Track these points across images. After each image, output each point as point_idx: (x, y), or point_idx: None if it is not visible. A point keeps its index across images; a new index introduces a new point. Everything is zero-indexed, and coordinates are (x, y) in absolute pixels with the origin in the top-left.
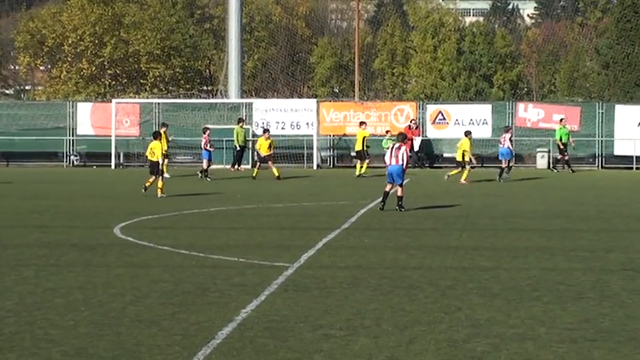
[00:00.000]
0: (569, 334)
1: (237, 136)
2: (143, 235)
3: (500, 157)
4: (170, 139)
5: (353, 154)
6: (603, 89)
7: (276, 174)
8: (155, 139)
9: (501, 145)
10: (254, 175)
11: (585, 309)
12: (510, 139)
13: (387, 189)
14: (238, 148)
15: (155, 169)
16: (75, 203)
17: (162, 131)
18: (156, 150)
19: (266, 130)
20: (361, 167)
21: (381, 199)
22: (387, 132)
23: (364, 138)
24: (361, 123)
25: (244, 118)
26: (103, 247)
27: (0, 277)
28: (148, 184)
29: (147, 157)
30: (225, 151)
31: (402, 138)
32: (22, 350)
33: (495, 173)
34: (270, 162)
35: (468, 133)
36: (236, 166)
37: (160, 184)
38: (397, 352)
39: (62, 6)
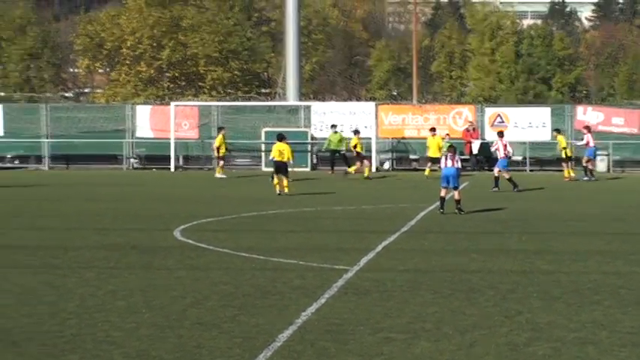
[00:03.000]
0: (631, 338)
1: (331, 141)
2: (203, 237)
3: (499, 167)
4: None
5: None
6: None
7: (352, 171)
8: (280, 140)
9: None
10: (366, 175)
11: None
12: (506, 145)
13: (443, 194)
14: (337, 154)
15: (283, 169)
16: (135, 206)
17: (221, 134)
18: (285, 151)
19: (357, 132)
20: (431, 170)
21: (438, 204)
22: (446, 135)
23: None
24: (431, 129)
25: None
26: (163, 250)
27: (62, 279)
28: (277, 186)
29: (273, 157)
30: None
31: (452, 151)
32: (84, 352)
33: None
34: (365, 160)
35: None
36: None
37: (285, 182)
38: (458, 355)
39: (120, 9)
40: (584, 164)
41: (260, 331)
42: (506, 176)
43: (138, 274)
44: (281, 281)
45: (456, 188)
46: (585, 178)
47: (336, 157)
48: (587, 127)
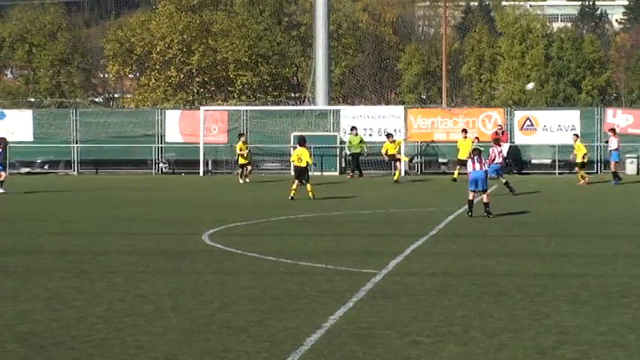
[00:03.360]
0: None
1: (351, 143)
2: (231, 242)
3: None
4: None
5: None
6: None
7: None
8: (301, 145)
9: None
10: (396, 178)
11: None
12: (500, 153)
13: (471, 197)
14: (349, 156)
15: (302, 174)
16: (163, 210)
17: (241, 141)
18: (303, 156)
19: (390, 135)
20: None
21: (467, 207)
22: (476, 138)
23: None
24: (463, 130)
25: (355, 126)
26: (191, 254)
27: (90, 283)
28: (293, 192)
29: (293, 162)
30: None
31: (478, 152)
32: (112, 357)
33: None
34: (397, 162)
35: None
36: (355, 173)
37: (309, 187)
38: (486, 359)
39: (150, 14)
40: (613, 169)
41: (287, 335)
42: (503, 180)
43: (166, 278)
44: (309, 285)
45: (484, 191)
46: (613, 182)
47: (359, 159)
48: (613, 130)
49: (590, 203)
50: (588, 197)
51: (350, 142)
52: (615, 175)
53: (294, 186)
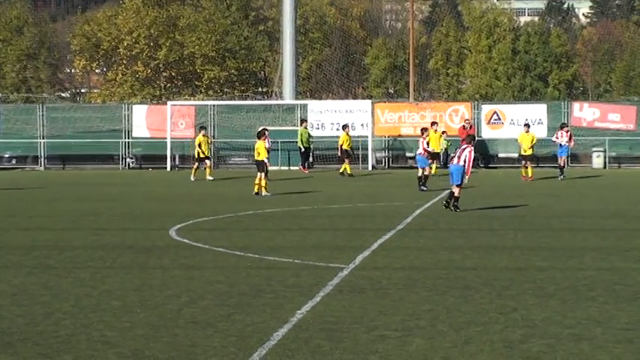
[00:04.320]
0: (626, 335)
1: (302, 137)
2: (198, 236)
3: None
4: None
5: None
6: None
7: (349, 171)
8: (259, 138)
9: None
10: (342, 171)
11: None
12: (428, 143)
13: (456, 193)
14: (303, 149)
15: (260, 167)
16: (131, 206)
17: (201, 134)
18: (260, 150)
19: (345, 126)
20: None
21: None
22: (443, 132)
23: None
24: (433, 123)
25: (306, 119)
26: (158, 249)
27: (56, 279)
28: (256, 186)
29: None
30: (280, 152)
31: (470, 140)
32: (79, 352)
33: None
34: (347, 158)
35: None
36: (305, 167)
37: (264, 182)
38: (452, 352)
39: (117, 9)
40: (561, 164)
41: (255, 329)
42: (419, 173)
43: (133, 273)
44: (276, 280)
45: (459, 186)
46: (560, 177)
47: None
48: (564, 125)
49: (557, 197)
50: (555, 191)
51: (301, 136)
52: (561, 170)
53: (256, 181)
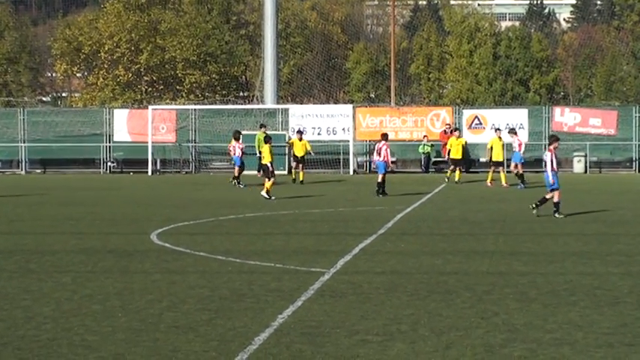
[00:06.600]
0: (607, 339)
1: (259, 142)
2: (180, 241)
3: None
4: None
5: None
6: None
7: (301, 178)
8: (266, 143)
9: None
10: (294, 178)
11: (622, 313)
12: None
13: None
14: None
15: (265, 171)
16: (112, 210)
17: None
18: (265, 153)
19: (299, 132)
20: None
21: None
22: (424, 137)
23: (462, 145)
24: (455, 130)
25: (264, 123)
26: (140, 254)
27: (38, 283)
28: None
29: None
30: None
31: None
32: (60, 356)
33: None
34: (301, 165)
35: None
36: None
37: (268, 184)
38: (434, 357)
39: (98, 13)
40: (519, 171)
41: (236, 334)
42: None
43: (114, 278)
44: (257, 284)
45: (555, 190)
46: (519, 187)
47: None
48: (513, 131)
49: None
50: (536, 196)
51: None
52: (521, 178)
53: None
